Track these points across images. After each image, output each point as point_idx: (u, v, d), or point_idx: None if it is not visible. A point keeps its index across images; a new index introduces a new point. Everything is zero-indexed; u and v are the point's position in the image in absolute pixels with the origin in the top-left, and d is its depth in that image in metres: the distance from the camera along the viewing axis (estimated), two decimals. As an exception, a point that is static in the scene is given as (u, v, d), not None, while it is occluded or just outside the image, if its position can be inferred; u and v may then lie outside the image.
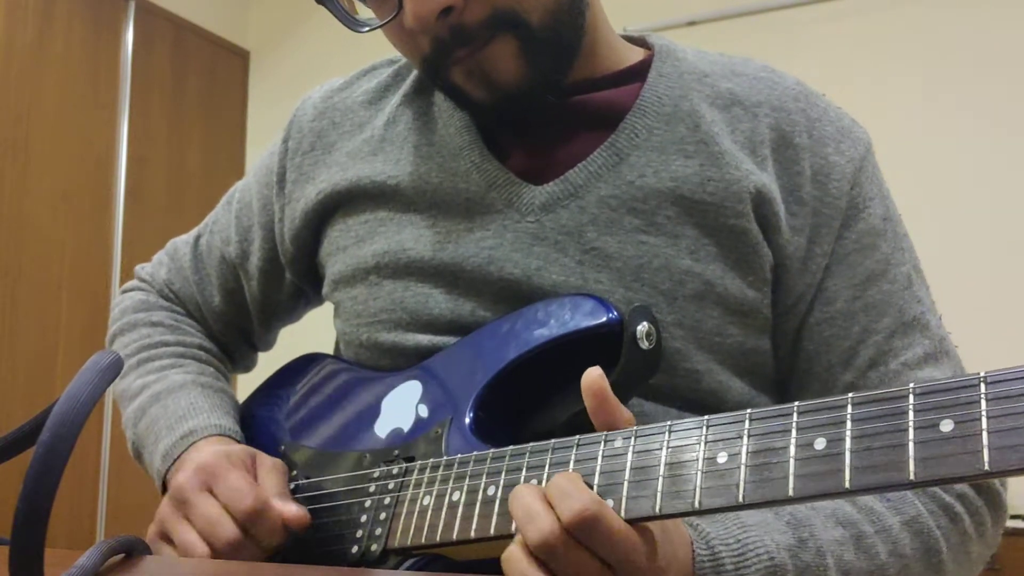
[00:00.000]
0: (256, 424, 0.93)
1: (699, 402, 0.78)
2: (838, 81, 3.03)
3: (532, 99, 0.82)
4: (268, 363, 1.04)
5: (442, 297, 0.82)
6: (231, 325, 1.04)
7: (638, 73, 0.87)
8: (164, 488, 0.85)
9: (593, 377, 0.60)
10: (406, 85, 0.94)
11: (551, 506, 0.56)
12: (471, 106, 0.85)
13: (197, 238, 1.05)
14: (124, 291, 1.08)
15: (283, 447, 0.87)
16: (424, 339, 0.82)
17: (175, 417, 0.87)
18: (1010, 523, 2.37)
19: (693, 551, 0.63)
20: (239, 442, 0.86)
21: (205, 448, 0.82)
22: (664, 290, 0.78)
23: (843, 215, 0.82)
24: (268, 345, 1.08)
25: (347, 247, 0.89)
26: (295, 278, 0.97)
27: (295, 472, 0.83)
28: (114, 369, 0.53)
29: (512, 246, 0.81)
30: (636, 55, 0.90)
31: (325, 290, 0.93)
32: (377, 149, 0.90)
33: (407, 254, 0.84)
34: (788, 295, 0.81)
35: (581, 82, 0.86)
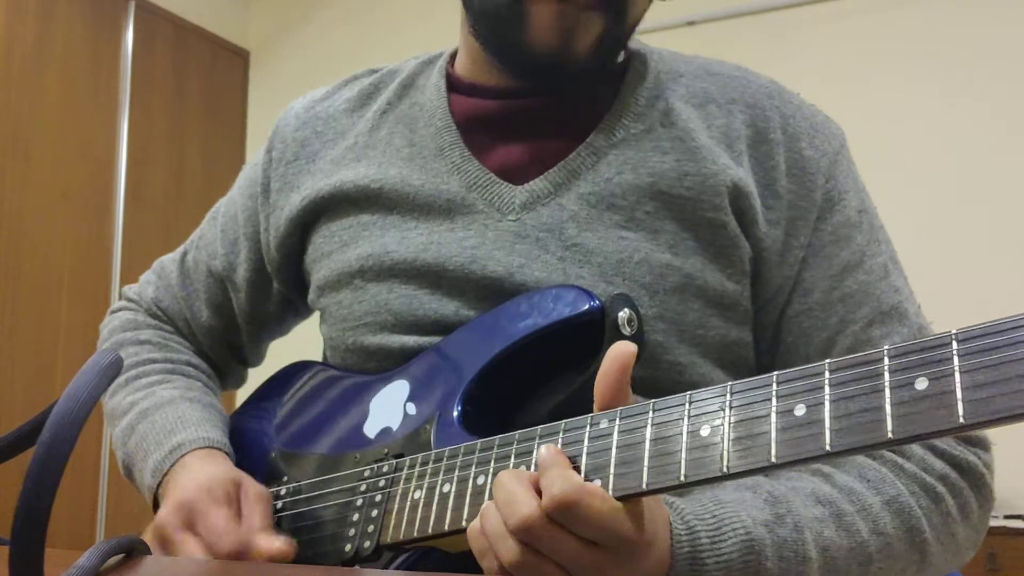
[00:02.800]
0: (247, 433, 0.94)
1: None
2: (838, 81, 3.03)
3: (565, 79, 0.84)
4: (258, 378, 1.03)
5: (426, 298, 0.83)
6: (220, 340, 1.03)
7: (614, 75, 0.88)
8: (156, 504, 0.85)
9: (626, 348, 0.60)
10: (388, 92, 0.95)
11: (536, 489, 0.57)
12: (512, 45, 0.83)
13: (184, 255, 1.05)
14: (112, 312, 1.08)
15: (274, 454, 0.87)
16: (410, 340, 0.83)
17: (163, 431, 0.87)
18: (1010, 523, 2.36)
19: (671, 528, 0.63)
20: (227, 454, 0.87)
21: (190, 468, 0.82)
22: (645, 284, 0.79)
23: (818, 208, 0.83)
24: (258, 360, 1.08)
25: (331, 253, 0.89)
26: (282, 287, 0.98)
27: (286, 478, 0.84)
28: (114, 369, 0.54)
29: (494, 244, 0.82)
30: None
31: (311, 297, 0.93)
32: (361, 155, 0.91)
33: (390, 256, 0.84)
34: (766, 288, 0.82)
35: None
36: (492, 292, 0.81)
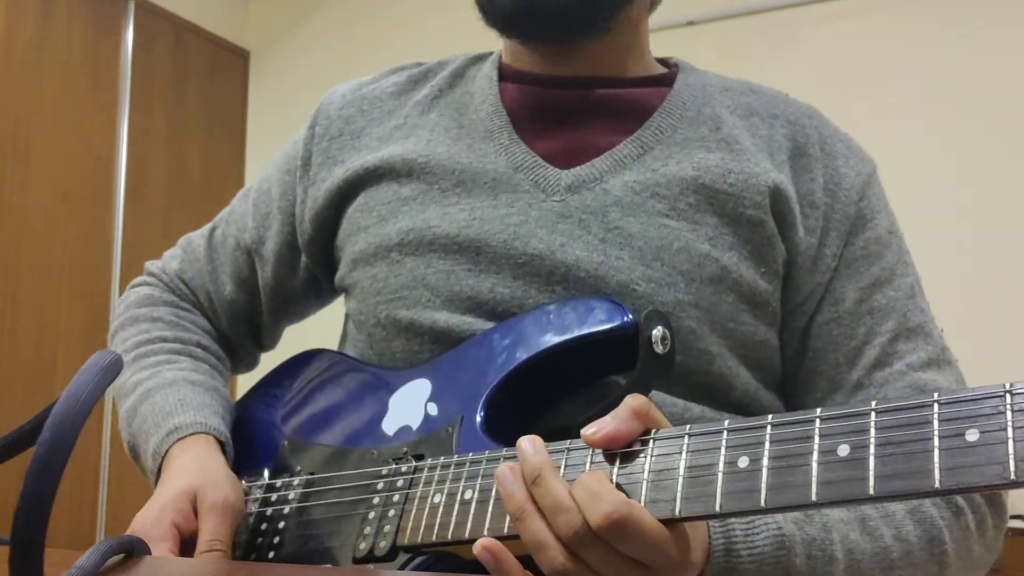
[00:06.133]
0: (256, 419, 0.93)
1: (709, 386, 0.80)
2: (838, 81, 3.03)
3: (545, 25, 0.85)
4: (269, 365, 1.03)
5: (464, 274, 0.83)
6: (240, 316, 1.04)
7: (664, 81, 0.92)
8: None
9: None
10: (439, 79, 0.97)
11: (578, 507, 0.57)
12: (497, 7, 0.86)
13: (212, 230, 1.06)
14: (132, 286, 1.08)
15: (286, 442, 0.87)
16: (441, 319, 0.83)
17: (162, 414, 0.88)
18: (1011, 523, 2.36)
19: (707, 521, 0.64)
20: (223, 442, 0.87)
21: (174, 465, 0.81)
22: (683, 271, 0.80)
23: (851, 223, 0.85)
24: (273, 342, 1.09)
25: (369, 227, 0.90)
26: (310, 261, 0.98)
27: (299, 468, 0.83)
28: (114, 369, 0.53)
29: (537, 223, 0.83)
30: (662, 69, 0.96)
31: (341, 272, 0.94)
32: (409, 133, 0.93)
33: (432, 231, 0.85)
34: (797, 293, 0.84)
35: (611, 79, 0.90)
36: (531, 269, 0.82)
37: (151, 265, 1.09)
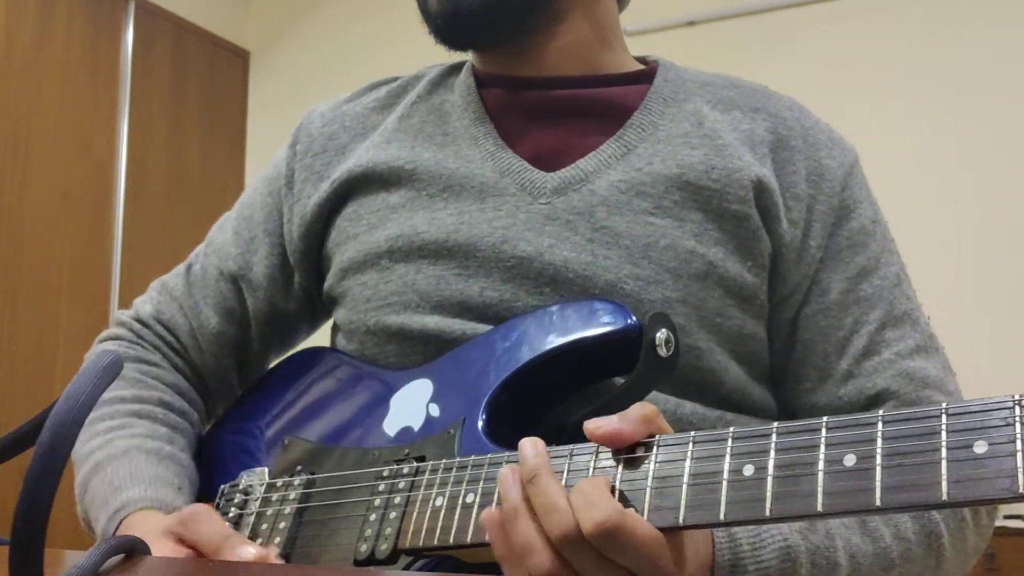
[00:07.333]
0: (258, 416, 0.93)
1: (699, 381, 0.80)
2: (838, 81, 3.03)
3: (481, 23, 0.88)
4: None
5: (453, 278, 0.84)
6: (228, 348, 1.00)
7: (643, 78, 0.92)
8: None
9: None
10: (418, 88, 0.98)
11: (573, 511, 0.56)
12: (423, 14, 0.91)
13: (188, 267, 1.03)
14: (99, 340, 1.03)
15: (287, 440, 0.87)
16: (431, 322, 0.83)
17: (111, 488, 0.84)
18: (1010, 523, 2.36)
19: (712, 535, 0.64)
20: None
21: (135, 528, 0.78)
22: (670, 268, 0.81)
23: (835, 213, 0.86)
24: (254, 378, 1.04)
25: (358, 235, 0.90)
26: (304, 279, 0.97)
27: (299, 467, 0.83)
28: (114, 369, 0.53)
29: (525, 226, 0.84)
30: (640, 66, 0.96)
31: (330, 282, 0.93)
32: (391, 138, 0.93)
33: (421, 237, 0.86)
34: (784, 285, 0.85)
35: (589, 78, 0.91)
36: (520, 271, 0.82)
37: (121, 315, 1.03)
